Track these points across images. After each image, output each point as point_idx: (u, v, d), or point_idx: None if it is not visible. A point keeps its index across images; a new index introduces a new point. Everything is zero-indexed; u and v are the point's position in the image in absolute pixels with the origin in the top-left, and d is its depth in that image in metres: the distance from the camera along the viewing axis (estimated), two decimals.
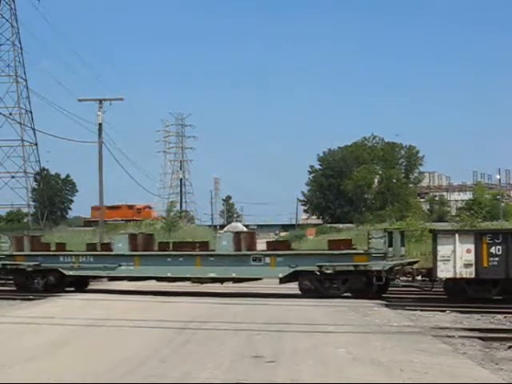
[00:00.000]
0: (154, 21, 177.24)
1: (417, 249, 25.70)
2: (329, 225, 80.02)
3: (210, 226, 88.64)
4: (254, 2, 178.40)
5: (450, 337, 11.14)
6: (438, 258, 16.42)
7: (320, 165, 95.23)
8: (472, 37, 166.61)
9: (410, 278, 17.57)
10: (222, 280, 19.17)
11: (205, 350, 9.81)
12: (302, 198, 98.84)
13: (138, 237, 20.94)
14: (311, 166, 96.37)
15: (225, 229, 59.67)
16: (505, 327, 13.09)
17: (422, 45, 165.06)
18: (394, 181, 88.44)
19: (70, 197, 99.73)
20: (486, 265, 16.04)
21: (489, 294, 16.26)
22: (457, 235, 16.59)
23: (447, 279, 16.62)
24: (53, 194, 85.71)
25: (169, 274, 19.17)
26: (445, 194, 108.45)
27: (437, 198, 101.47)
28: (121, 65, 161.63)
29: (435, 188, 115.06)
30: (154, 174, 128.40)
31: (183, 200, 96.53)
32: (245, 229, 59.83)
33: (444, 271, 16.43)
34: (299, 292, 18.06)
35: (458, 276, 16.27)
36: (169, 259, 19.21)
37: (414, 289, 18.09)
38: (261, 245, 21.82)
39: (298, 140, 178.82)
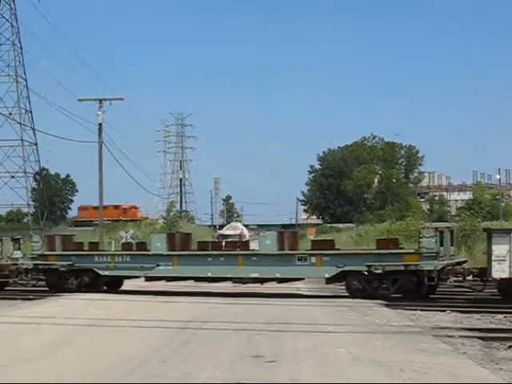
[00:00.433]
0: (154, 21, 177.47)
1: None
2: (329, 225, 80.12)
3: (210, 225, 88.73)
4: (254, 1, 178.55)
5: (450, 337, 11.14)
6: (493, 257, 16.07)
7: (320, 165, 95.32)
8: (472, 37, 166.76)
9: (460, 278, 17.02)
10: (265, 280, 18.78)
11: (205, 350, 9.81)
12: (301, 197, 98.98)
13: (176, 236, 20.55)
14: (311, 166, 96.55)
15: (224, 228, 59.74)
16: (505, 327, 13.09)
17: (422, 45, 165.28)
18: (394, 181, 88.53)
19: (69, 197, 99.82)
20: None
21: None
22: None
23: (502, 279, 16.24)
24: (53, 193, 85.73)
25: (209, 274, 18.76)
26: (445, 193, 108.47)
27: (437, 198, 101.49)
28: (121, 65, 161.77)
29: (435, 188, 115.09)
30: (154, 173, 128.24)
31: (183, 200, 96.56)
32: (244, 228, 59.85)
33: (499, 271, 16.09)
34: (299, 292, 18.06)
35: None
36: (209, 259, 18.79)
37: (464, 289, 17.62)
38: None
39: (297, 140, 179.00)
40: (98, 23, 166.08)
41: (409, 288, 16.92)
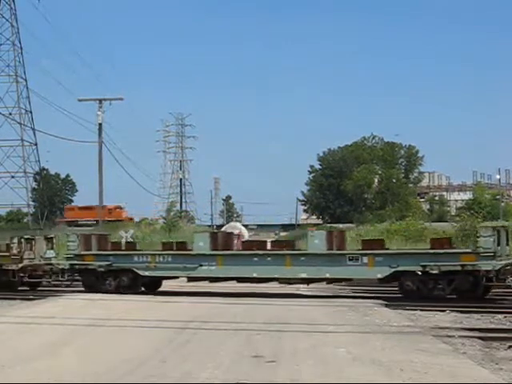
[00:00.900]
0: (154, 21, 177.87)
1: None
2: (328, 225, 79.99)
3: (209, 225, 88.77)
4: (254, 1, 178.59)
5: (449, 337, 11.14)
6: None
7: (320, 165, 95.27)
8: (472, 37, 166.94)
9: None
10: (314, 281, 18.44)
11: (205, 350, 9.82)
12: (301, 197, 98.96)
13: (219, 235, 20.09)
14: (311, 166, 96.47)
15: (223, 229, 59.52)
16: (505, 327, 13.08)
17: (422, 45, 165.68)
18: (394, 181, 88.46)
19: (69, 197, 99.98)
20: None
21: None
22: None
23: None
24: (52, 193, 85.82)
25: (255, 275, 18.28)
26: (444, 193, 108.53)
27: (436, 198, 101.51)
28: (121, 65, 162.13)
29: (435, 188, 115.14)
30: (153, 173, 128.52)
31: (183, 200, 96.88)
32: (243, 228, 59.71)
33: None
34: (299, 292, 18.00)
35: None
36: (255, 259, 18.24)
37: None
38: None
39: (297, 140, 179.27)
40: (98, 23, 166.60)
41: (465, 289, 16.53)
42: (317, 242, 17.73)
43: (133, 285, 19.24)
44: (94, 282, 19.54)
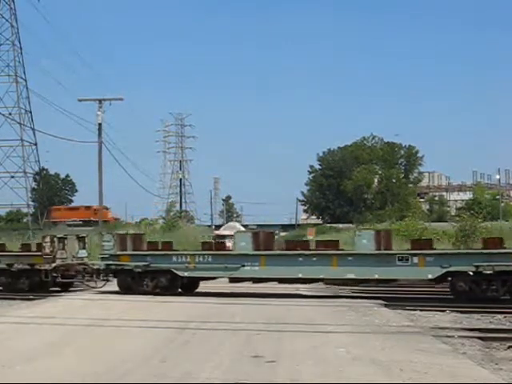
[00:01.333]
0: (154, 21, 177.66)
1: None
2: (328, 225, 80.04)
3: (209, 226, 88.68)
4: (254, 1, 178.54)
5: (449, 337, 11.14)
6: None
7: (320, 165, 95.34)
8: (472, 37, 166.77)
9: None
10: (362, 281, 18.20)
11: (205, 350, 9.82)
12: (301, 197, 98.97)
13: (260, 234, 19.70)
14: (311, 166, 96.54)
15: (221, 229, 59.61)
16: (505, 327, 13.09)
17: (422, 45, 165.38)
18: (394, 181, 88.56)
19: (69, 197, 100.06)
20: None
21: None
22: None
23: None
24: (52, 193, 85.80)
25: (300, 275, 17.91)
26: (444, 193, 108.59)
27: (436, 198, 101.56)
28: (121, 65, 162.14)
29: (435, 188, 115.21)
30: (153, 174, 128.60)
31: (183, 200, 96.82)
32: (242, 228, 59.65)
33: None
34: (298, 292, 17.96)
35: None
36: (300, 259, 17.83)
37: None
38: None
39: (298, 140, 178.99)
40: (98, 23, 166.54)
41: None
42: (365, 241, 17.41)
43: (171, 286, 18.88)
44: (129, 282, 19.14)
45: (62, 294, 19.43)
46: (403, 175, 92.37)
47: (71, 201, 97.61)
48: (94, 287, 20.19)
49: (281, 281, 18.92)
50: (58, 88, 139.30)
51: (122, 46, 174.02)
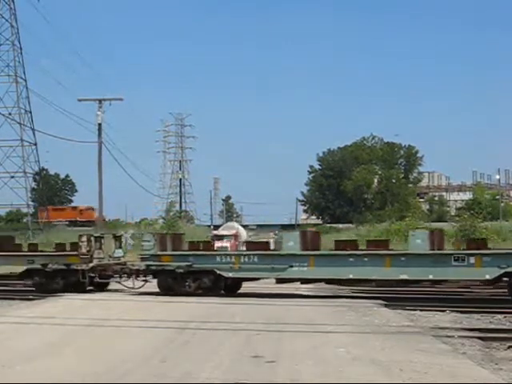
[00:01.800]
0: (154, 20, 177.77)
1: None
2: (328, 225, 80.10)
3: (209, 226, 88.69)
4: (254, 1, 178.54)
5: (449, 337, 11.13)
6: None
7: (319, 165, 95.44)
8: (472, 37, 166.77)
9: None
10: (415, 282, 17.85)
11: (205, 350, 9.82)
12: (301, 197, 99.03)
13: (307, 234, 19.30)
14: (311, 166, 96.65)
15: (220, 228, 59.46)
16: (505, 327, 13.08)
17: (422, 45, 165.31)
18: (394, 181, 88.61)
19: (69, 197, 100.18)
20: None
21: None
22: None
23: None
24: (52, 194, 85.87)
25: (350, 276, 17.47)
26: (444, 193, 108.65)
27: (436, 198, 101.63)
28: (121, 64, 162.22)
29: (435, 188, 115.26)
30: (153, 174, 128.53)
31: (183, 200, 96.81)
32: (241, 228, 59.54)
33: None
34: (298, 292, 17.93)
35: None
36: (351, 259, 17.31)
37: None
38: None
39: (297, 140, 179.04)
40: (98, 23, 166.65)
41: None
42: (419, 241, 16.93)
43: (214, 286, 18.43)
44: (171, 283, 18.71)
45: (62, 294, 19.30)
46: (403, 175, 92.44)
47: (71, 201, 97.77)
48: (132, 288, 19.65)
49: (329, 281, 18.57)
50: (57, 88, 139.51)
51: (122, 45, 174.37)
